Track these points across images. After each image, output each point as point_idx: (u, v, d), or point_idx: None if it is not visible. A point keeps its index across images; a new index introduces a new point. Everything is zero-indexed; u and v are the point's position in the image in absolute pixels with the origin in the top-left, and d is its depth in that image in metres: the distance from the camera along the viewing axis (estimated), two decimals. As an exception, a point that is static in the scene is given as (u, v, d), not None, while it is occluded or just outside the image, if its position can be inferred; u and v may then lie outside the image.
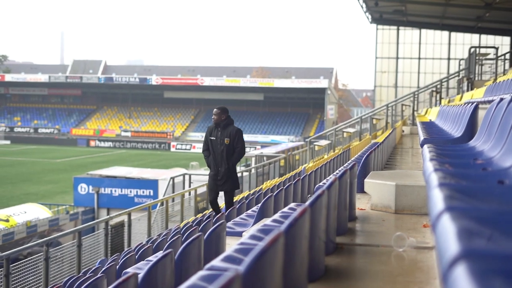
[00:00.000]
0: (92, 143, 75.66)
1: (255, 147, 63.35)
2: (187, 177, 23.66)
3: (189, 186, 22.05)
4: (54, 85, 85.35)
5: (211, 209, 16.50)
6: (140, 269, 6.33)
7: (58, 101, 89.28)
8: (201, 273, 2.58)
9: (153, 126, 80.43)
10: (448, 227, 1.61)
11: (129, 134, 77.55)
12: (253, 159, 37.01)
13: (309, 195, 9.76)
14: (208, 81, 78.10)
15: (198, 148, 71.93)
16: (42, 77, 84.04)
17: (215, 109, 10.86)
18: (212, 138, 10.71)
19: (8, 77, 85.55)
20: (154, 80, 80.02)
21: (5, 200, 32.83)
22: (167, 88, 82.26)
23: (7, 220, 23.01)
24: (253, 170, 26.18)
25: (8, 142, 76.81)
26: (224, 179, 10.72)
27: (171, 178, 23.36)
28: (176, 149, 73.00)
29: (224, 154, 10.65)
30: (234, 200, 11.79)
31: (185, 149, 72.62)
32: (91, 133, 79.02)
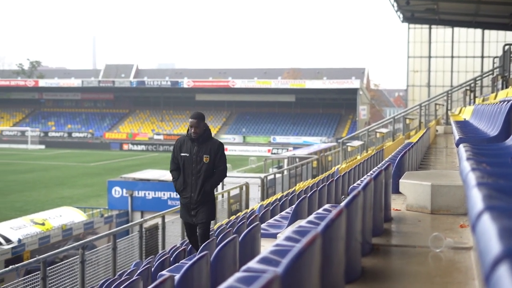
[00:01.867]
0: (125, 147, 76.22)
1: (287, 149, 63.28)
2: (219, 179, 23.66)
3: (222, 189, 22.08)
4: (87, 89, 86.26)
5: (244, 211, 16.49)
6: (175, 271, 6.36)
7: (91, 105, 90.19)
8: (238, 275, 2.58)
9: (185, 129, 79.81)
10: (488, 227, 1.59)
11: (161, 137, 78.01)
12: (286, 160, 36.99)
13: (343, 197, 9.71)
14: (239, 83, 78.22)
15: (231, 150, 72.14)
16: (75, 82, 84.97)
17: (191, 119, 8.36)
18: (184, 154, 8.36)
19: (42, 83, 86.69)
20: (186, 83, 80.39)
21: (41, 204, 33.24)
22: (198, 91, 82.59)
23: (43, 224, 23.28)
24: (285, 172, 26.17)
25: (42, 146, 77.74)
26: (198, 208, 8.35)
27: (204, 180, 23.34)
28: (208, 151, 73.06)
29: (201, 176, 8.31)
30: (211, 232, 9.58)
31: (217, 151, 72.62)
32: (124, 137, 79.63)
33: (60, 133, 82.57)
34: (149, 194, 27.46)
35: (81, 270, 11.10)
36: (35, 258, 10.49)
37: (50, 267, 11.24)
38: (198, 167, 8.32)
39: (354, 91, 73.07)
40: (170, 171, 8.62)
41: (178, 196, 8.65)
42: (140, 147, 75.50)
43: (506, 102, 6.52)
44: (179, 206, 8.76)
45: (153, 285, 3.54)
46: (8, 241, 20.50)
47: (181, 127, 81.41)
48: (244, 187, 20.00)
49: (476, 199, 1.95)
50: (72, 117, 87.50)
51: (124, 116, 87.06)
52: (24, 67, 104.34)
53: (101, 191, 36.09)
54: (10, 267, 10.07)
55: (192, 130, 8.31)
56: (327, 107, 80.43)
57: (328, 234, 2.45)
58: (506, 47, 23.66)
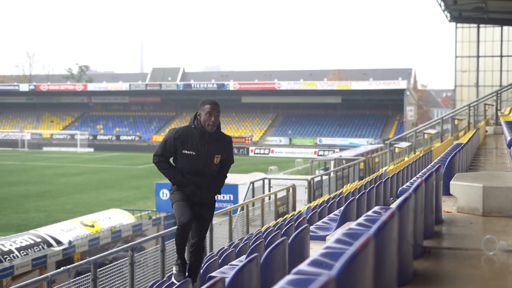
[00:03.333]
0: (172, 149, 76.75)
1: (334, 150, 63.05)
2: (266, 181, 23.75)
3: (269, 191, 22.12)
4: (134, 93, 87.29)
5: (291, 213, 16.48)
6: (224, 273, 6.39)
7: (138, 108, 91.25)
8: (289, 277, 2.58)
9: (232, 131, 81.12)
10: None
11: (208, 139, 78.38)
12: (332, 162, 36.86)
13: (391, 199, 9.63)
14: (285, 85, 78.22)
15: (277, 152, 72.21)
16: (122, 86, 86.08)
17: (213, 105, 6.68)
18: (187, 152, 6.51)
19: (91, 87, 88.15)
20: (232, 85, 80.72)
21: (90, 206, 33.73)
22: (244, 93, 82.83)
23: (92, 226, 23.62)
24: (332, 174, 26.06)
25: (91, 149, 78.91)
26: (204, 204, 6.73)
27: (250, 182, 23.46)
28: (254, 153, 73.38)
29: (207, 180, 6.60)
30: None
31: (264, 153, 72.90)
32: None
33: (109, 136, 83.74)
34: (196, 196, 27.62)
35: (130, 272, 11.22)
36: (85, 260, 10.65)
37: (100, 269, 11.40)
38: (206, 170, 6.56)
39: (401, 92, 72.41)
40: (156, 162, 6.70)
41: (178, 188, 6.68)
42: (187, 150, 75.91)
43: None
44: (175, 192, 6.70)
45: (204, 286, 3.56)
46: (59, 243, 20.84)
47: (227, 129, 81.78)
48: (291, 189, 19.98)
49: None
50: (120, 121, 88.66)
51: (171, 119, 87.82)
52: (73, 72, 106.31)
53: (149, 193, 36.46)
54: (62, 268, 10.23)
55: (212, 119, 6.51)
56: (374, 108, 79.86)
57: (381, 236, 2.44)
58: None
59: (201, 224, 6.74)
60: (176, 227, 6.66)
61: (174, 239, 6.95)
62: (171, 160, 6.76)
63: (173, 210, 6.63)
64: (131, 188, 42.04)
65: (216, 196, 6.83)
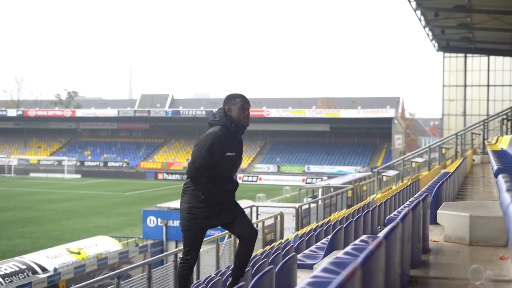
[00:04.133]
0: (160, 176, 76.69)
1: (322, 178, 63.09)
2: (254, 209, 23.71)
3: (257, 218, 22.08)
4: (123, 119, 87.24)
5: (278, 242, 16.39)
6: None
7: (126, 135, 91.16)
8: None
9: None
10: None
11: (196, 166, 78.24)
12: (320, 190, 36.85)
13: (379, 227, 9.63)
14: (273, 112, 78.44)
15: (265, 179, 72.17)
16: (111, 112, 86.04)
17: (242, 97, 6.19)
18: (231, 154, 5.94)
19: (79, 113, 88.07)
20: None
21: (76, 233, 33.51)
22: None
23: (78, 253, 23.45)
24: (320, 202, 26.06)
25: (79, 176, 78.58)
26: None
27: (238, 210, 23.36)
28: (242, 180, 73.27)
29: (235, 186, 6.14)
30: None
31: (252, 180, 72.85)
32: (159, 166, 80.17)
33: (96, 162, 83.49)
34: (183, 223, 27.50)
35: (116, 299, 11.10)
36: (71, 287, 10.55)
37: (86, 296, 11.28)
38: (236, 170, 6.14)
39: (389, 120, 72.76)
40: (199, 177, 5.81)
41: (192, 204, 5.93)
42: (175, 177, 75.86)
43: (545, 132, 6.45)
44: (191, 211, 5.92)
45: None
46: (44, 270, 20.66)
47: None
48: (278, 217, 19.95)
49: (519, 232, 1.92)
50: (108, 147, 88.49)
51: (159, 145, 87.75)
52: (61, 97, 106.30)
53: (136, 220, 36.28)
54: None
55: (246, 113, 6.11)
56: (362, 137, 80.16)
57: (367, 266, 2.44)
58: (544, 75, 23.44)
59: (245, 217, 6.20)
60: (181, 260, 5.99)
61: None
62: None
63: (184, 237, 5.94)
64: (118, 215, 41.82)
65: None
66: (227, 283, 6.27)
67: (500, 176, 4.17)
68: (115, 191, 59.41)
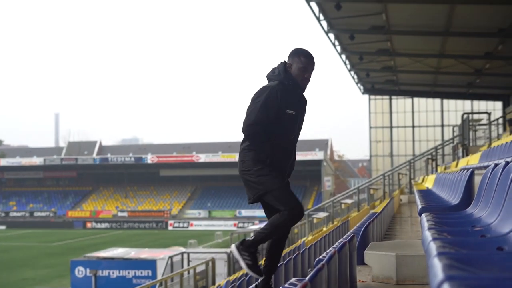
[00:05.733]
0: (89, 225, 75.17)
1: (253, 222, 62.98)
2: (185, 255, 23.46)
3: (188, 265, 21.86)
4: (50, 167, 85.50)
5: (226, 279, 16.20)
6: None
7: (53, 183, 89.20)
8: None
9: (150, 205, 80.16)
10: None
11: (125, 214, 77.16)
12: (252, 234, 36.78)
13: (309, 269, 9.64)
14: (203, 157, 78.34)
15: (196, 225, 71.63)
16: (37, 161, 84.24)
17: (308, 58, 5.24)
18: (290, 112, 5.16)
19: (3, 162, 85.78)
20: (150, 158, 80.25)
21: (2, 286, 32.38)
22: (162, 166, 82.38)
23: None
24: (252, 246, 25.94)
25: (3, 227, 76.29)
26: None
27: (169, 257, 23.15)
28: (173, 227, 72.56)
29: (295, 150, 5.43)
30: None
31: (183, 227, 72.20)
32: (88, 215, 78.59)
33: (22, 212, 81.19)
34: (113, 273, 26.95)
35: None
36: None
37: None
38: (297, 137, 5.35)
39: (318, 163, 73.64)
40: (252, 134, 5.12)
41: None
42: (104, 225, 74.53)
43: (466, 171, 6.61)
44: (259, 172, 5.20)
45: None
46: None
47: (145, 203, 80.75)
48: (210, 263, 19.76)
49: (437, 269, 1.94)
50: (34, 196, 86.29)
51: (88, 193, 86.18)
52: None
53: (64, 271, 35.30)
54: None
55: (306, 76, 5.25)
56: (292, 179, 78.45)
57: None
58: (465, 116, 24.23)
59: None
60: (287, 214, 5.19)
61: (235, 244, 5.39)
62: None
63: (275, 199, 5.31)
64: (46, 266, 40.65)
65: None
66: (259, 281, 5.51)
67: (423, 215, 4.24)
68: (42, 242, 57.82)
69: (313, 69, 5.22)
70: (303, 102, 5.30)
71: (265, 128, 5.07)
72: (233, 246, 5.31)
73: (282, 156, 5.17)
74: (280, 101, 5.05)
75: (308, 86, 5.24)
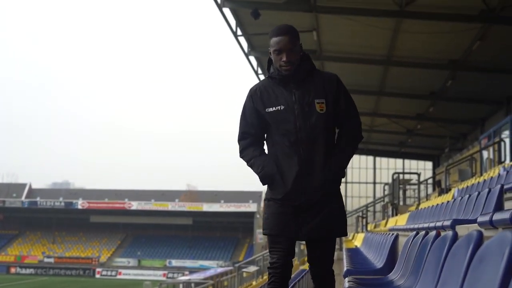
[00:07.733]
0: (13, 270, 72.89)
1: (183, 273, 62.26)
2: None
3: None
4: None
5: None
6: None
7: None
8: None
9: (78, 252, 78.37)
10: None
11: (52, 260, 75.16)
12: (181, 285, 36.32)
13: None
14: (135, 205, 77.42)
15: (125, 274, 70.31)
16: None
17: (278, 36, 4.14)
18: (272, 109, 4.21)
19: None
20: (80, 204, 78.85)
21: None
22: (93, 212, 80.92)
23: None
24: (180, 298, 25.55)
25: None
26: (317, 208, 4.18)
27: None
28: (101, 275, 71.01)
29: (318, 140, 4.16)
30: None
31: (111, 275, 70.75)
32: (12, 260, 76.18)
33: None
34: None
35: None
36: None
37: None
38: (309, 124, 4.12)
39: (251, 215, 73.66)
40: (242, 149, 4.34)
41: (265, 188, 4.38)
42: (29, 271, 72.38)
43: (391, 234, 6.72)
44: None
45: None
46: None
47: (73, 250, 78.92)
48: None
49: None
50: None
51: (13, 237, 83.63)
52: None
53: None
54: None
55: (284, 59, 4.12)
56: (225, 231, 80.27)
57: None
58: (395, 175, 24.72)
59: (320, 245, 4.24)
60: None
61: None
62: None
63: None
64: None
65: (339, 199, 4.52)
66: None
67: (346, 279, 4.28)
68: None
69: (291, 44, 4.12)
70: (312, 87, 4.20)
71: (257, 140, 4.34)
72: None
73: (284, 153, 4.17)
74: (257, 103, 4.25)
75: (298, 68, 4.19)
